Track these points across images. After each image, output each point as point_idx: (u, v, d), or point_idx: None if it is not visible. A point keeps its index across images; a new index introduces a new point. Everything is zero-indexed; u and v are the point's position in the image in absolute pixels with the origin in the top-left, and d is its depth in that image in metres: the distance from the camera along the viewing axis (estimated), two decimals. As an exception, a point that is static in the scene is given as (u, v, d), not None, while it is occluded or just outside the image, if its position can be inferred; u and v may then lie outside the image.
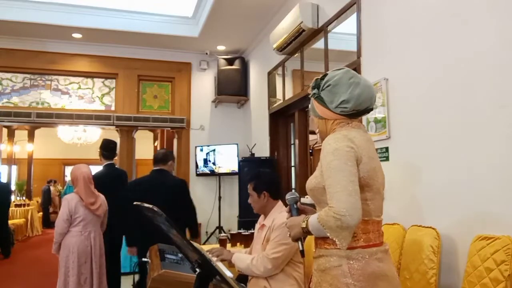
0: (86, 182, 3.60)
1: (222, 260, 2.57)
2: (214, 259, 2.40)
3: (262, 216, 2.65)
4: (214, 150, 6.55)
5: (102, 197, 3.70)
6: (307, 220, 1.43)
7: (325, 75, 1.58)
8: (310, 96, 1.61)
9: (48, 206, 11.90)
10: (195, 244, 1.48)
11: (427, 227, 2.53)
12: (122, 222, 3.66)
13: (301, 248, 1.47)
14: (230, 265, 2.60)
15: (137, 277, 3.59)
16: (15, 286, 5.32)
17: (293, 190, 1.66)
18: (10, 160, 11.54)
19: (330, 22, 3.97)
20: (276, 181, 2.68)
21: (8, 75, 6.33)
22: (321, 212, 1.36)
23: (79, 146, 11.12)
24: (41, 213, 11.47)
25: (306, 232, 1.44)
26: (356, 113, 1.53)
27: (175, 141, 6.93)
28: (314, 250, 1.49)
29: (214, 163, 6.53)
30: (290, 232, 1.49)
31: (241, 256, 2.54)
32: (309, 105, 1.65)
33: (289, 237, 1.51)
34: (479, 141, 2.30)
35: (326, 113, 1.56)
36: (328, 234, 1.32)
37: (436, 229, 2.44)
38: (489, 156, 2.23)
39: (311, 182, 1.53)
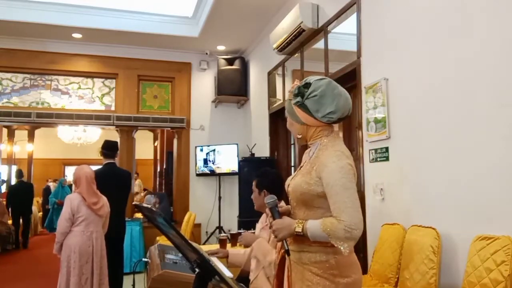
0: (89, 182, 3.61)
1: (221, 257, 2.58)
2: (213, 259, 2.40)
3: (264, 216, 2.65)
4: (214, 150, 6.55)
5: (104, 198, 3.70)
6: (302, 226, 1.56)
7: (308, 83, 1.65)
8: (293, 103, 1.68)
9: (46, 205, 11.90)
10: (194, 244, 1.48)
11: (427, 227, 2.53)
12: None
13: (286, 248, 1.58)
14: (229, 264, 2.61)
15: (137, 277, 3.59)
16: (15, 286, 5.32)
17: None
18: (10, 160, 11.54)
19: (330, 22, 3.96)
20: (279, 182, 2.68)
21: (8, 75, 6.33)
22: (326, 222, 1.51)
23: (79, 146, 11.11)
24: (41, 213, 11.47)
25: (297, 235, 1.58)
26: (337, 120, 1.67)
27: (175, 141, 6.93)
28: (284, 247, 1.59)
29: (214, 163, 6.53)
30: (277, 234, 1.59)
31: (235, 251, 2.57)
32: (286, 110, 1.73)
33: (275, 238, 1.62)
34: (479, 141, 2.30)
35: (310, 121, 1.67)
36: (333, 242, 1.50)
37: (436, 229, 2.44)
38: (489, 156, 2.23)
39: (301, 186, 1.62)
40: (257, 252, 2.44)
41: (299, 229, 1.56)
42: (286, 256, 1.63)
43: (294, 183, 1.66)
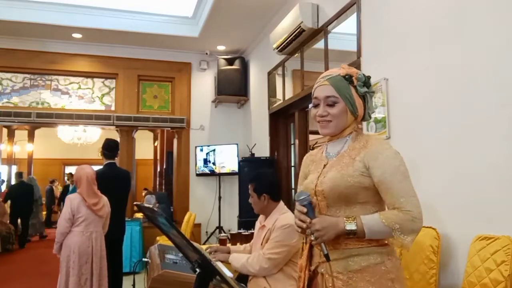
0: (89, 183, 3.60)
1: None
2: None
3: (262, 216, 2.64)
4: (214, 150, 6.55)
5: (105, 198, 3.70)
6: (356, 222, 1.37)
7: (367, 80, 1.55)
8: (361, 91, 1.51)
9: (52, 206, 11.95)
10: (195, 244, 1.48)
11: (427, 227, 2.52)
12: None
13: (326, 252, 1.36)
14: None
15: (137, 277, 3.59)
16: (15, 286, 5.32)
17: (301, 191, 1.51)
18: (10, 160, 11.54)
19: (330, 22, 3.97)
20: (277, 183, 2.67)
21: (8, 75, 6.33)
22: (389, 215, 1.38)
23: (79, 146, 11.11)
24: (44, 213, 11.47)
25: (348, 233, 1.38)
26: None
27: (175, 141, 6.93)
28: (323, 252, 1.37)
29: (214, 163, 6.53)
30: (323, 235, 1.35)
31: (237, 256, 2.55)
32: (342, 94, 1.50)
33: (316, 240, 1.38)
34: (479, 140, 2.30)
35: (360, 114, 1.54)
36: (397, 236, 1.36)
37: (436, 229, 2.44)
38: (489, 156, 2.23)
39: (345, 180, 1.43)
40: (238, 268, 2.47)
41: (351, 226, 1.35)
42: (319, 269, 1.45)
43: (330, 179, 1.45)
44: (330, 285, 1.42)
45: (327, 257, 1.35)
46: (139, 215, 6.52)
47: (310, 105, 1.61)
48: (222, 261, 2.59)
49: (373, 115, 3.19)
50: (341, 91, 1.49)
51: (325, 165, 1.55)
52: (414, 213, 1.38)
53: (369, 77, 1.54)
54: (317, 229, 1.36)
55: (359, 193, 1.44)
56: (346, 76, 1.51)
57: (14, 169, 12.01)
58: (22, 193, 8.45)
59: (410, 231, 1.36)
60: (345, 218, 1.39)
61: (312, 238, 1.37)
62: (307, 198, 1.42)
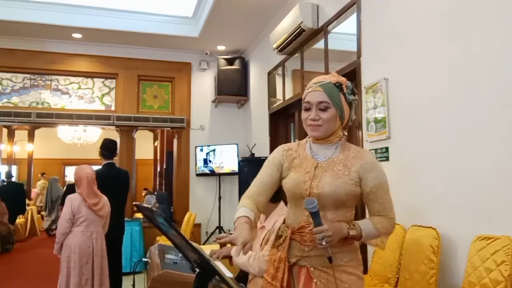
0: (90, 183, 3.60)
1: (225, 257, 2.59)
2: (215, 260, 2.41)
3: (262, 216, 2.64)
4: (214, 150, 6.55)
5: (105, 198, 3.69)
6: (356, 229, 1.56)
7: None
8: (350, 98, 1.63)
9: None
10: (195, 244, 1.48)
11: (427, 227, 2.53)
12: None
13: (330, 254, 1.47)
14: (231, 263, 2.62)
15: (137, 277, 3.59)
16: (15, 286, 5.32)
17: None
18: (10, 160, 11.55)
19: (330, 22, 3.97)
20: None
21: (8, 75, 6.33)
22: (379, 221, 1.61)
23: (79, 146, 11.11)
24: (43, 213, 11.46)
25: (347, 238, 1.55)
26: None
27: (175, 141, 6.93)
28: (328, 254, 1.48)
29: (214, 163, 6.53)
30: (333, 240, 1.47)
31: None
32: (334, 101, 1.59)
33: (325, 244, 1.46)
34: (479, 140, 2.30)
35: (346, 120, 1.65)
36: (381, 239, 1.61)
37: (436, 229, 2.44)
38: (489, 156, 2.23)
39: (343, 188, 1.57)
40: (241, 265, 2.46)
41: (353, 232, 1.54)
42: (300, 263, 1.58)
43: (328, 185, 1.56)
44: (317, 277, 1.57)
45: (330, 259, 1.48)
46: (139, 215, 6.52)
47: None
48: (226, 256, 2.60)
49: (372, 118, 3.21)
50: (333, 97, 1.60)
51: (315, 167, 1.63)
52: (394, 219, 1.65)
53: (354, 85, 1.68)
54: (329, 235, 1.46)
55: (349, 200, 1.61)
56: (337, 84, 1.61)
57: (14, 169, 12.03)
58: (12, 194, 8.30)
59: (389, 234, 1.64)
60: (347, 225, 1.56)
61: (323, 243, 1.46)
62: (314, 206, 1.48)
